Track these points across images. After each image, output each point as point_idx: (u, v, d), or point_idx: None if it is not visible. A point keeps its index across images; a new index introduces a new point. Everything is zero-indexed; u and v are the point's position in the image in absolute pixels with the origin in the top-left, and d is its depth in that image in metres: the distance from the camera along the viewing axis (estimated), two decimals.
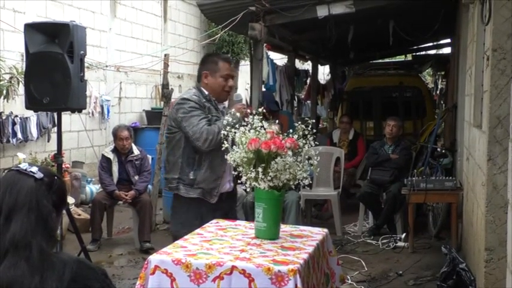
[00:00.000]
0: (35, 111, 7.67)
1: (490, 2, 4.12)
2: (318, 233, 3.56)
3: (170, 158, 4.16)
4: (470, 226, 5.59)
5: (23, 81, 6.31)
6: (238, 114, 3.83)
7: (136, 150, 7.29)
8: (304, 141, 3.33)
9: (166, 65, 8.27)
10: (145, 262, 3.01)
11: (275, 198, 3.27)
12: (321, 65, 14.68)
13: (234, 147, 3.36)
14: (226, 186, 4.14)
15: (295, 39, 10.10)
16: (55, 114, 6.82)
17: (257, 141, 3.20)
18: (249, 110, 3.85)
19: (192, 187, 4.04)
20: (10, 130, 7.97)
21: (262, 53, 7.83)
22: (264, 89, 9.17)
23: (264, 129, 3.30)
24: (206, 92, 4.10)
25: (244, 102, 3.99)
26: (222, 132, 3.52)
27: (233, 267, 2.83)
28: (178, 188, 4.09)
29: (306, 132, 3.35)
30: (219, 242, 3.25)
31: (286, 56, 12.28)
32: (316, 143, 3.40)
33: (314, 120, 3.57)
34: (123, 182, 7.19)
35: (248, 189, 3.35)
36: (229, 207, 4.24)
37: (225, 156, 3.39)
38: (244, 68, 15.33)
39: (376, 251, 6.81)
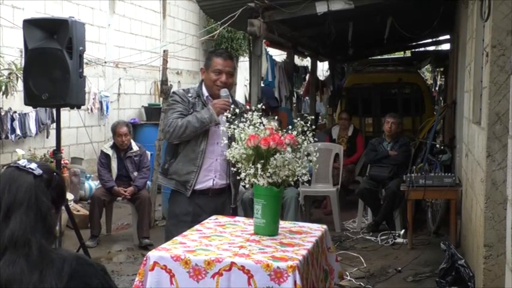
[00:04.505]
0: (33, 107, 7.65)
1: None
2: (317, 229, 3.56)
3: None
4: (469, 222, 5.59)
5: (21, 77, 6.30)
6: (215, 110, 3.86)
7: (135, 147, 7.29)
8: (303, 137, 3.33)
9: (165, 61, 8.26)
10: (144, 258, 3.01)
11: (274, 194, 3.27)
12: (320, 61, 14.66)
13: (233, 143, 3.35)
14: (207, 183, 4.04)
15: (294, 35, 10.09)
16: (54, 110, 6.81)
17: (256, 137, 3.20)
18: (248, 107, 3.88)
19: (166, 177, 4.12)
20: (9, 126, 7.96)
21: (261, 49, 7.82)
22: (263, 85, 9.16)
23: (263, 125, 3.30)
24: (202, 88, 4.12)
25: (230, 99, 3.99)
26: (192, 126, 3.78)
27: (232, 264, 2.83)
28: (159, 177, 4.25)
29: (305, 129, 3.35)
30: (218, 239, 3.25)
31: (285, 52, 12.27)
32: (315, 139, 3.40)
33: (313, 117, 3.57)
34: (122, 178, 7.19)
35: (247, 186, 3.35)
36: (219, 206, 4.08)
37: (224, 152, 3.41)
38: (243, 64, 15.32)
39: (375, 247, 6.82)
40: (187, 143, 3.99)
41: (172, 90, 4.27)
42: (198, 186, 4.02)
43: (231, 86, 4.09)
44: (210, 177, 4.04)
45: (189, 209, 4.02)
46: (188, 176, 4.00)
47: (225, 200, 4.15)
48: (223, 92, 4.00)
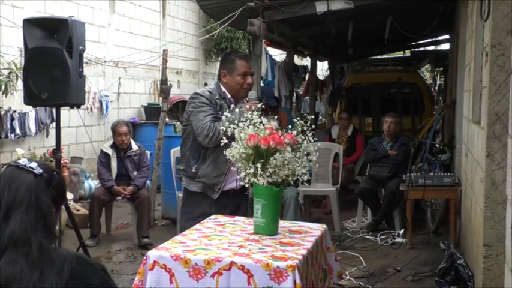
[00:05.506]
0: (33, 107, 7.66)
1: None
2: (316, 228, 3.57)
3: (182, 150, 4.28)
4: (468, 222, 5.60)
5: (21, 77, 6.30)
6: (241, 110, 3.87)
7: (135, 146, 7.29)
8: (303, 137, 3.33)
9: (165, 61, 8.26)
10: (144, 258, 3.01)
11: (274, 194, 3.28)
12: (320, 60, 14.66)
13: (233, 143, 3.37)
14: (232, 184, 4.11)
15: (294, 35, 10.09)
16: (54, 110, 6.81)
17: (256, 137, 3.20)
18: (252, 106, 3.88)
19: (194, 180, 4.11)
20: (8, 125, 7.96)
21: (261, 48, 7.82)
22: (262, 85, 9.17)
23: (263, 125, 3.30)
24: (223, 89, 4.12)
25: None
26: (221, 128, 3.58)
27: (232, 263, 2.83)
28: (182, 180, 4.22)
29: (305, 128, 3.35)
30: (218, 238, 3.25)
31: (285, 52, 12.26)
32: (314, 138, 3.40)
33: (313, 116, 3.58)
34: (122, 178, 7.18)
35: (247, 185, 3.36)
36: (237, 205, 4.19)
37: (224, 152, 3.42)
38: None
39: (375, 246, 6.82)
40: (217, 146, 3.95)
41: (195, 91, 4.23)
42: (224, 188, 4.09)
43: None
44: (234, 179, 4.08)
45: (212, 210, 4.02)
46: (218, 178, 4.05)
47: (241, 199, 4.24)
48: (252, 94, 4.09)
